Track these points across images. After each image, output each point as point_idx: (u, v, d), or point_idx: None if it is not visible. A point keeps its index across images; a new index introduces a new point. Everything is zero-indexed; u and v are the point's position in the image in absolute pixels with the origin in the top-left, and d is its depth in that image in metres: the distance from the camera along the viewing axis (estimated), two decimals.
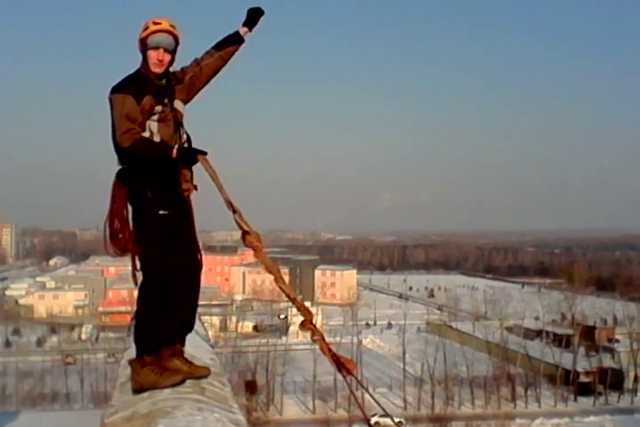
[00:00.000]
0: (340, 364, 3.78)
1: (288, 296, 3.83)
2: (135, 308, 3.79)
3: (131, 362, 3.72)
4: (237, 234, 3.76)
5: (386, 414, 18.68)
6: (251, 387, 52.18)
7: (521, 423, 51.32)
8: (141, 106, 3.62)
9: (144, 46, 3.74)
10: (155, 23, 3.73)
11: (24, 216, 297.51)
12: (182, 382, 3.61)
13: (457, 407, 54.24)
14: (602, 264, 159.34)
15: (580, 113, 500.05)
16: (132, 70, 3.85)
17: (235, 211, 3.68)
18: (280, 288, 3.80)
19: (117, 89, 3.66)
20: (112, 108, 3.64)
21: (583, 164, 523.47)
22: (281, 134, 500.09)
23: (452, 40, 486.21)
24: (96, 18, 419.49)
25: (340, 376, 3.88)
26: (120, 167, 3.75)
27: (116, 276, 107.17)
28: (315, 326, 3.80)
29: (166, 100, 3.78)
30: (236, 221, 3.69)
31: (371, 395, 4.61)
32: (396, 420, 48.85)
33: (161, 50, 3.72)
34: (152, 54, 3.73)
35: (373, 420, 32.67)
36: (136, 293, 3.78)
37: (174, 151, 3.60)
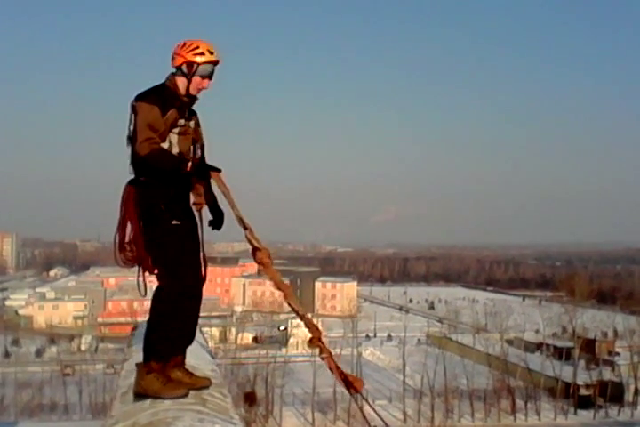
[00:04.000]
0: (348, 382, 3.78)
1: (297, 313, 3.85)
2: (138, 318, 3.81)
3: (138, 365, 3.73)
4: (238, 245, 3.82)
5: None
6: (250, 398, 51.88)
7: None
8: (165, 118, 3.68)
9: (191, 69, 3.78)
10: (210, 52, 3.79)
11: (25, 227, 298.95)
12: (185, 395, 3.60)
13: (457, 420, 53.85)
14: (603, 277, 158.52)
15: (580, 126, 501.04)
16: (139, 84, 3.89)
17: (246, 227, 3.72)
18: (289, 305, 3.81)
19: (144, 97, 3.70)
20: (135, 115, 3.68)
21: (585, 177, 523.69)
22: (282, 146, 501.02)
23: (453, 54, 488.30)
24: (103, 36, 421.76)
25: (339, 389, 3.88)
26: (132, 177, 3.77)
27: (116, 287, 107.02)
28: (323, 343, 3.79)
29: (187, 115, 3.85)
30: (247, 238, 3.73)
31: (377, 412, 4.57)
32: None
33: (207, 79, 3.81)
34: (198, 80, 3.80)
35: None
36: (136, 304, 3.80)
37: (189, 165, 3.64)
